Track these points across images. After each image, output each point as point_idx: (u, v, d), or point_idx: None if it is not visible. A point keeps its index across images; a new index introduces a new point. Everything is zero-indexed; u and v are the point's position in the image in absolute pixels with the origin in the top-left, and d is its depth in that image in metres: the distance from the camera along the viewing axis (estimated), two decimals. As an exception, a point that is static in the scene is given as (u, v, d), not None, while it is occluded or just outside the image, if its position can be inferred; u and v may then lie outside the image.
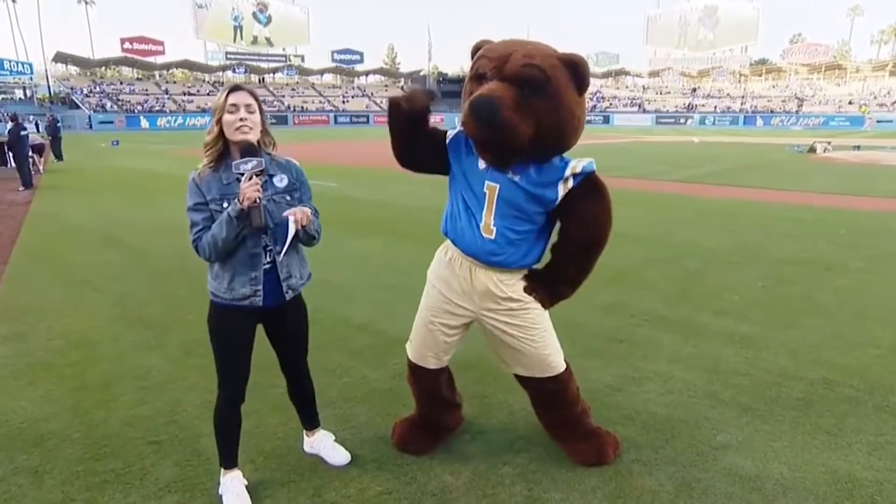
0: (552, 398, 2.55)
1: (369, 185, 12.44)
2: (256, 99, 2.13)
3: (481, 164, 2.25)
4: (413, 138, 2.39)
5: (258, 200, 2.02)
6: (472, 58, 2.23)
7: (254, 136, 2.11)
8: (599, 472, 2.48)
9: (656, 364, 3.54)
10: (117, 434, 2.79)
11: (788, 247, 6.61)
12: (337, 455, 2.56)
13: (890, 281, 5.31)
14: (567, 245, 2.33)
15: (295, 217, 2.10)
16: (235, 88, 2.11)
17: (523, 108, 2.02)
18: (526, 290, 2.35)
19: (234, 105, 2.07)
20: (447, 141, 2.36)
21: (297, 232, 2.12)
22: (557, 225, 2.35)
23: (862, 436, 2.75)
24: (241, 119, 2.07)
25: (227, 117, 2.07)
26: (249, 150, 2.08)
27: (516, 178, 2.19)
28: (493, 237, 2.23)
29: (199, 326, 4.20)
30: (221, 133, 2.10)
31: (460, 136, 2.33)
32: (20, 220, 8.69)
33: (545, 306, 2.41)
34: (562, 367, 2.49)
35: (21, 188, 12.13)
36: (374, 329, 4.13)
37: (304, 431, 2.64)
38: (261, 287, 2.15)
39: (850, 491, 2.36)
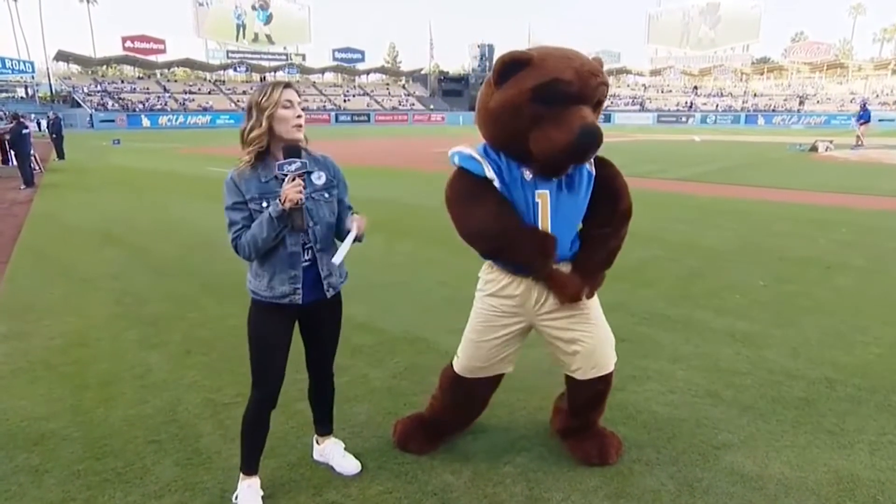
0: (598, 399, 2.51)
1: (369, 184, 12.42)
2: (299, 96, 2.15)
3: (528, 176, 2.21)
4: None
5: (300, 202, 2.01)
6: (509, 70, 2.11)
7: (302, 134, 2.11)
8: (601, 471, 2.48)
9: (657, 363, 3.53)
10: (117, 433, 2.79)
11: (789, 245, 6.59)
12: (347, 464, 2.50)
13: (891, 279, 5.30)
14: (605, 219, 2.32)
15: (359, 227, 2.13)
16: (288, 85, 2.08)
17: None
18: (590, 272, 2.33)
19: (289, 101, 2.04)
20: (495, 182, 2.22)
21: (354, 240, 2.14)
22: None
23: (864, 435, 2.74)
24: (298, 115, 2.06)
25: (283, 112, 2.03)
26: (294, 150, 2.06)
27: (563, 178, 2.23)
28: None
29: (199, 325, 4.24)
30: (269, 129, 2.06)
31: (495, 165, 2.22)
32: (21, 218, 8.70)
33: (592, 293, 2.37)
34: (614, 360, 2.47)
35: (22, 187, 12.14)
36: (374, 327, 4.12)
37: (315, 438, 2.60)
38: (300, 285, 2.14)
39: (852, 490, 2.35)
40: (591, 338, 2.36)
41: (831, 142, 21.56)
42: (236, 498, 2.27)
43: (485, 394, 2.62)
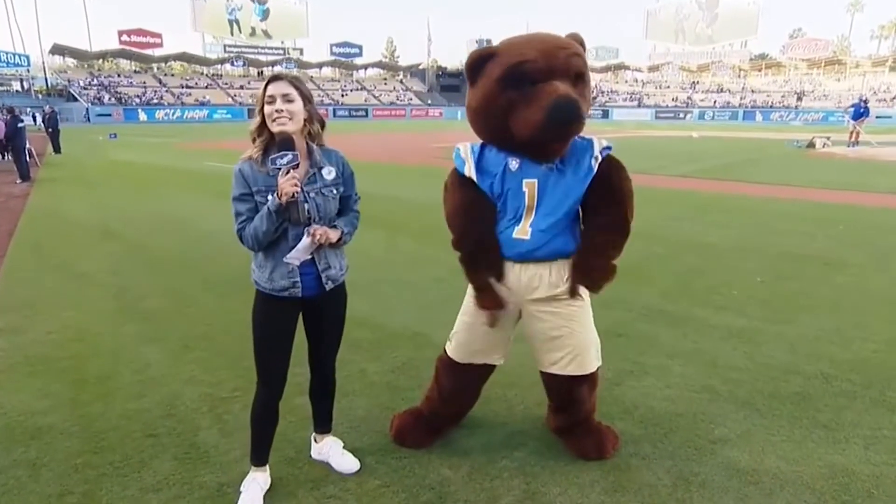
0: (578, 397, 2.50)
1: (368, 179, 12.38)
2: (297, 87, 2.07)
3: (513, 166, 2.22)
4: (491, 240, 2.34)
5: (296, 195, 2.00)
6: (477, 68, 2.15)
7: (293, 126, 2.05)
8: (598, 465, 2.49)
9: (655, 358, 3.54)
10: (115, 427, 2.79)
11: (787, 242, 6.61)
12: (346, 462, 2.50)
13: (888, 276, 5.32)
14: (608, 219, 2.28)
15: (315, 236, 2.08)
16: (274, 78, 2.06)
17: (581, 98, 2.08)
18: (571, 289, 2.31)
19: (271, 96, 2.04)
20: (476, 179, 2.27)
21: (319, 245, 2.12)
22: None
23: (859, 430, 2.76)
24: (276, 110, 2.03)
25: (268, 108, 2.05)
26: (286, 143, 2.04)
27: (553, 166, 2.20)
28: (527, 237, 2.24)
29: (198, 319, 4.23)
30: (264, 123, 2.08)
31: (480, 159, 2.29)
32: (18, 212, 8.67)
33: (595, 288, 2.33)
34: (596, 364, 2.47)
35: (18, 181, 12.10)
36: (374, 323, 4.12)
37: (314, 436, 2.60)
38: (298, 279, 2.14)
39: (847, 485, 2.37)
40: (574, 335, 2.38)
41: (829, 138, 21.58)
42: (242, 487, 2.30)
43: (475, 383, 2.64)
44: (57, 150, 18.82)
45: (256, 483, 2.29)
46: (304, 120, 2.10)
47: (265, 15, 67.03)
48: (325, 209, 2.14)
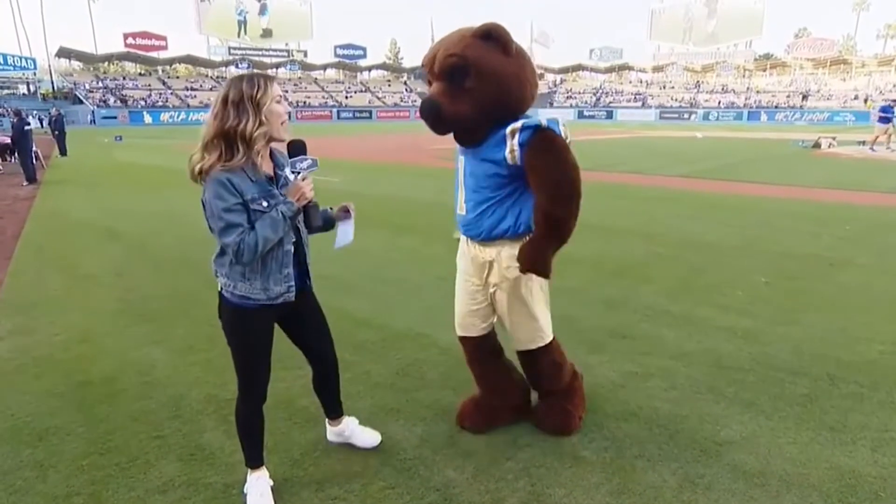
0: (537, 370, 2.73)
1: (371, 180, 12.43)
2: None
3: (459, 148, 2.51)
4: None
5: (312, 199, 2.03)
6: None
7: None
8: (602, 467, 2.48)
9: (660, 359, 3.53)
10: (121, 428, 2.80)
11: (792, 242, 6.58)
12: (368, 437, 2.58)
13: (894, 277, 5.28)
14: (536, 200, 2.30)
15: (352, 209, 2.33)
16: (272, 78, 1.98)
17: (458, 95, 2.26)
18: (518, 258, 2.38)
19: (280, 96, 1.98)
20: None
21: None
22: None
23: (866, 432, 2.74)
24: (286, 111, 1.99)
25: (277, 108, 1.96)
26: (300, 146, 2.02)
27: (472, 151, 2.41)
28: (464, 213, 2.48)
29: (202, 321, 4.24)
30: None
31: None
32: (24, 215, 8.72)
33: (525, 267, 2.36)
34: (545, 340, 2.64)
35: (25, 183, 12.17)
36: (377, 323, 4.13)
37: (328, 421, 2.61)
38: (293, 283, 2.14)
39: (854, 487, 2.36)
40: (515, 314, 2.56)
41: (834, 138, 21.49)
42: (246, 489, 2.28)
43: (487, 359, 2.79)
44: (63, 152, 18.92)
45: (263, 480, 2.30)
46: None
47: (270, 17, 67.19)
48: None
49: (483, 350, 2.76)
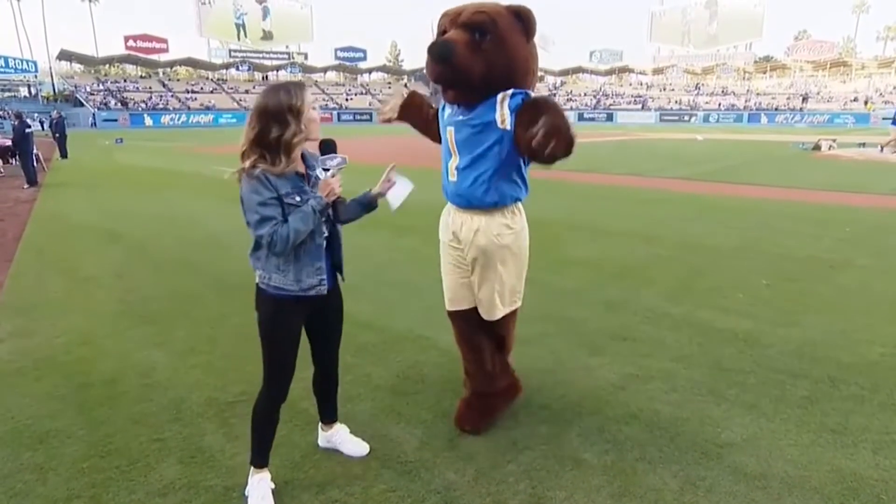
0: (502, 335, 2.83)
1: (372, 182, 12.42)
2: None
3: (447, 112, 2.56)
4: (424, 128, 2.90)
5: (340, 196, 2.15)
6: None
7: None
8: (604, 470, 2.48)
9: (660, 362, 3.53)
10: (121, 431, 2.80)
11: (792, 244, 6.58)
12: (356, 447, 2.58)
13: (895, 278, 5.28)
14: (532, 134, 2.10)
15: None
16: (305, 85, 2.15)
17: (474, 49, 2.32)
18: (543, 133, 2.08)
19: (313, 102, 2.12)
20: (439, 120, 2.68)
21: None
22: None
23: (867, 434, 2.74)
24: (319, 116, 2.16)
25: (313, 114, 2.10)
26: (331, 145, 2.15)
27: (464, 117, 2.46)
28: (455, 180, 2.55)
29: (203, 323, 4.24)
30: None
31: (444, 102, 2.63)
32: (25, 217, 8.72)
33: (553, 133, 2.07)
34: (498, 313, 2.70)
35: (26, 186, 12.18)
36: (379, 326, 4.13)
37: (321, 425, 2.63)
38: (325, 276, 2.23)
39: (856, 489, 2.35)
40: (485, 289, 2.65)
41: (834, 140, 21.51)
42: (247, 492, 2.29)
43: (477, 332, 2.80)
44: (64, 155, 18.94)
45: (264, 482, 2.30)
46: None
47: (270, 20, 67.31)
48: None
49: (473, 323, 2.79)
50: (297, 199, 2.08)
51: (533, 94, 2.40)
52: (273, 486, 2.32)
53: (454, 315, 2.82)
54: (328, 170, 2.12)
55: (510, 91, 2.37)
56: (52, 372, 3.46)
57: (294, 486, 2.40)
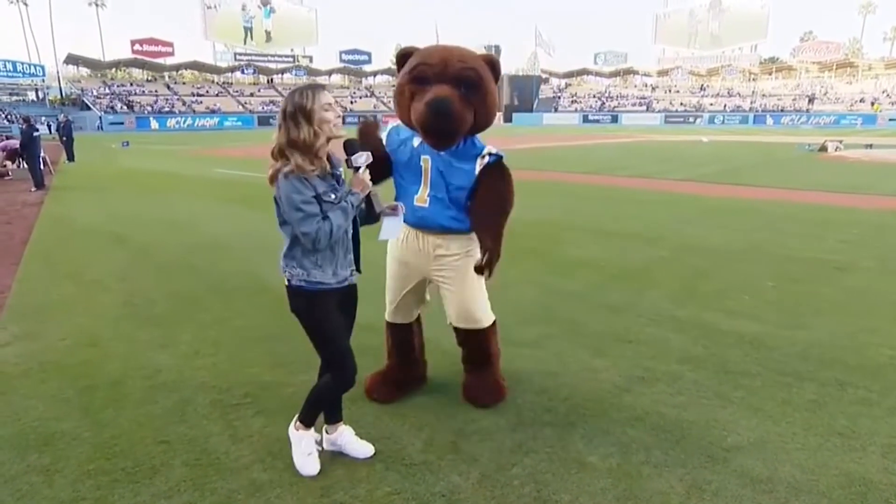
0: (471, 347, 3.04)
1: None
2: None
3: (416, 142, 2.74)
4: (384, 175, 2.88)
5: (372, 189, 2.32)
6: (400, 61, 2.75)
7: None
8: (609, 473, 2.47)
9: (665, 364, 3.51)
10: (127, 433, 2.80)
11: (798, 246, 6.54)
12: (361, 448, 2.59)
13: (903, 281, 5.24)
14: (484, 210, 2.72)
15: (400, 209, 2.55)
16: (323, 87, 2.26)
17: (466, 103, 2.58)
18: (482, 255, 2.68)
19: (328, 104, 2.19)
20: (385, 144, 2.84)
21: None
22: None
23: (876, 438, 2.71)
24: (337, 116, 2.24)
25: (326, 115, 2.17)
26: (355, 143, 2.30)
27: (444, 154, 2.70)
28: (426, 205, 2.72)
29: (207, 325, 4.26)
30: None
31: (391, 131, 2.88)
32: (32, 220, 8.78)
33: (491, 260, 2.67)
34: (484, 321, 2.95)
35: (33, 189, 12.26)
36: (380, 328, 4.11)
37: (325, 427, 2.62)
38: (354, 266, 2.39)
39: (864, 494, 2.33)
40: (460, 293, 2.86)
41: (841, 142, 21.39)
42: (294, 442, 2.48)
43: (411, 341, 3.18)
44: (71, 158, 19.06)
45: (309, 438, 2.48)
46: None
47: (275, 22, 67.57)
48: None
49: (412, 334, 3.15)
50: (333, 196, 2.21)
51: (502, 158, 2.77)
52: (320, 448, 2.50)
53: (395, 327, 3.15)
54: (359, 168, 2.26)
55: (494, 150, 2.75)
56: (58, 374, 3.47)
57: (298, 488, 2.40)
